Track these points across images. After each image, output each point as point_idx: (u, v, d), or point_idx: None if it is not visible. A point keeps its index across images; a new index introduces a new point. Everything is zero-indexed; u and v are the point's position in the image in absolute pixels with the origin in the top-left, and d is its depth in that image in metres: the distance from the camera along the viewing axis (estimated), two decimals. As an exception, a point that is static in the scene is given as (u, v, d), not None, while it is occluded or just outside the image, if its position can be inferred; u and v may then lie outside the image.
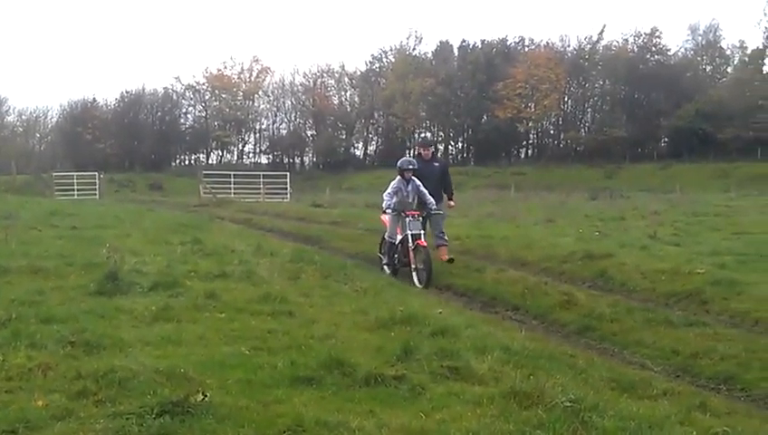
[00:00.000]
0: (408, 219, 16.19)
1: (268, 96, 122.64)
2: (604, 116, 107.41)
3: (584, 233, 23.66)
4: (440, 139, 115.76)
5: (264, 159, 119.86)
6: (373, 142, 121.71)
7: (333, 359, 7.73)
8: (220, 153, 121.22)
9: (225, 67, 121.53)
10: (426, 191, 16.70)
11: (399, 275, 16.54)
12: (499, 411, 6.51)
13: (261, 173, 67.32)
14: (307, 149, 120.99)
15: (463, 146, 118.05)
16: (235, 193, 58.06)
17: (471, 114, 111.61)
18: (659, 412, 6.99)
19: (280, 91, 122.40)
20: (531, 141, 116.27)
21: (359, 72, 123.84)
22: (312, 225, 30.33)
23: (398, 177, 16.72)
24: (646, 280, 14.82)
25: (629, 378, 8.69)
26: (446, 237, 17.78)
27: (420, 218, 16.40)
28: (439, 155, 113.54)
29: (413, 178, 16.72)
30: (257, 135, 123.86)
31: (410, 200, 16.63)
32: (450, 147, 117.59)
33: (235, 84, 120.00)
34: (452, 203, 18.41)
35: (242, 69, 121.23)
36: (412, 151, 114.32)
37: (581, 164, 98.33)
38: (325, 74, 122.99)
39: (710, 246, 19.44)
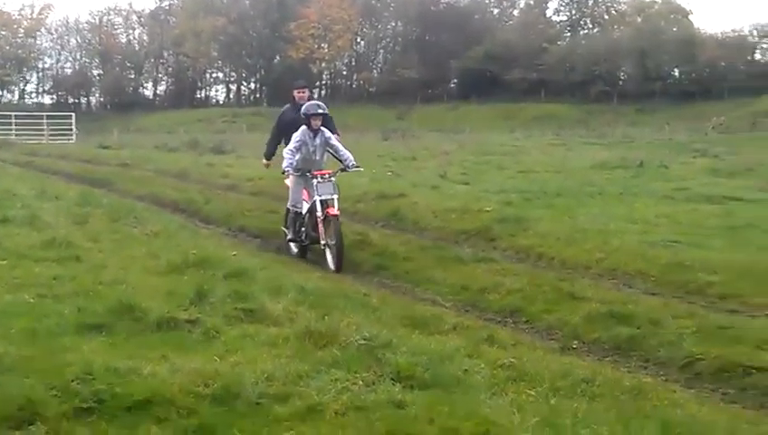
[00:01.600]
0: (316, 181, 12.57)
1: (51, 34, 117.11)
2: (396, 57, 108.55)
3: (377, 173, 23.87)
4: (233, 79, 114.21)
5: (47, 100, 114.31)
6: (163, 82, 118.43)
7: (123, 304, 7.50)
8: (0, 93, 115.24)
9: (5, 3, 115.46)
10: (340, 144, 13.19)
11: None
12: (294, 352, 6.50)
13: (44, 114, 64.59)
14: (93, 89, 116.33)
15: (256, 86, 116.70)
16: (16, 135, 55.54)
17: (263, 54, 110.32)
18: (449, 346, 7.16)
19: (64, 29, 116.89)
20: (324, 82, 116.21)
21: (147, 11, 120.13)
22: (100, 167, 29.44)
23: (303, 127, 12.91)
24: (437, 219, 15.16)
25: (421, 314, 8.90)
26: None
27: (332, 180, 12.71)
28: (242, 97, 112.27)
29: (322, 128, 12.99)
30: (40, 74, 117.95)
31: (318, 157, 13.01)
32: (243, 87, 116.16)
33: (16, 21, 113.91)
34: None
35: (23, 5, 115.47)
36: (204, 92, 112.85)
37: (374, 105, 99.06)
38: (112, 12, 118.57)
39: (497, 185, 20.10)
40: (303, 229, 13.02)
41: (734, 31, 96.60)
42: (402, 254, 12.45)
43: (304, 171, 12.81)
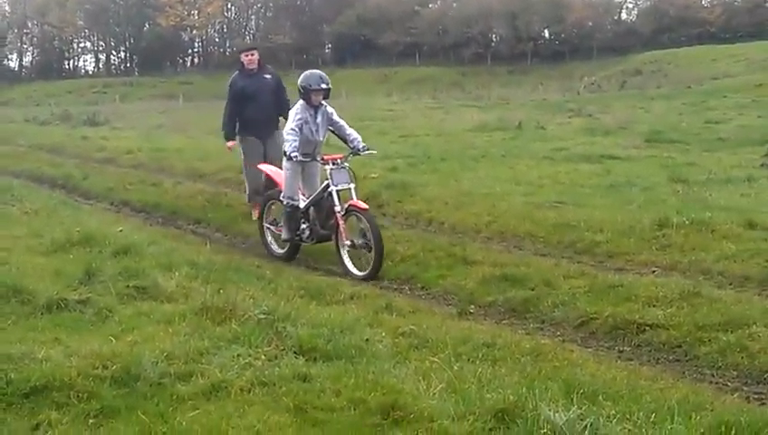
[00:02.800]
0: (329, 168, 10.34)
1: None
2: (268, 23, 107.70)
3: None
4: (101, 48, 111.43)
5: None
6: (28, 54, 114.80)
7: (9, 287, 7.23)
8: None
9: None
10: (343, 122, 11.02)
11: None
12: (192, 329, 6.38)
13: None
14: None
15: (125, 56, 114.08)
16: None
17: (132, 22, 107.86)
18: (349, 316, 7.18)
19: None
20: (196, 50, 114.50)
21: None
22: (-34, 143, 28.28)
23: (301, 102, 10.66)
24: (323, 187, 15.06)
25: (317, 285, 8.89)
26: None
27: (346, 165, 10.49)
28: (112, 66, 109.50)
29: (324, 103, 10.81)
30: None
31: (321, 138, 10.92)
32: (113, 57, 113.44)
33: None
34: None
35: None
36: (73, 62, 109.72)
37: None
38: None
39: (380, 151, 19.97)
40: (306, 226, 10.83)
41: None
42: (291, 223, 12.34)
43: (310, 157, 10.61)
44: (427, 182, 14.48)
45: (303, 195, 10.87)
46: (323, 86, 10.53)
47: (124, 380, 5.32)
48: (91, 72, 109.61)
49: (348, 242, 10.10)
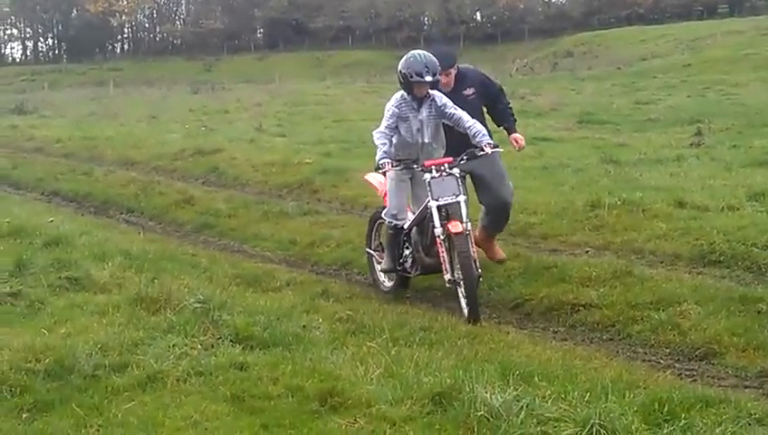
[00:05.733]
0: (428, 177, 7.67)
1: None
2: (199, 8, 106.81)
3: (191, 129, 23.55)
4: (28, 35, 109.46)
5: None
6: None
7: (-63, 281, 7.11)
8: None
9: None
10: (462, 113, 7.89)
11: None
12: (127, 319, 6.30)
13: None
14: None
15: (53, 42, 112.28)
16: None
17: (59, 9, 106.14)
18: (286, 303, 7.21)
19: None
20: (126, 36, 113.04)
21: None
22: None
23: (400, 92, 7.97)
24: (258, 173, 15.03)
25: (253, 272, 8.86)
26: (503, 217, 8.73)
27: (454, 172, 7.71)
28: (40, 54, 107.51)
29: (435, 94, 7.92)
30: None
31: (428, 139, 7.99)
32: (40, 44, 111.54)
33: None
34: (519, 138, 8.62)
35: None
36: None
37: (180, 57, 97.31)
38: None
39: (314, 136, 20.08)
40: (409, 253, 8.30)
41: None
42: (226, 211, 12.31)
43: (408, 164, 7.93)
44: (362, 167, 14.45)
45: (412, 212, 8.28)
46: (428, 78, 7.68)
47: (58, 373, 5.25)
48: (18, 60, 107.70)
49: (448, 277, 7.64)
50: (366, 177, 9.31)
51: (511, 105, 8.79)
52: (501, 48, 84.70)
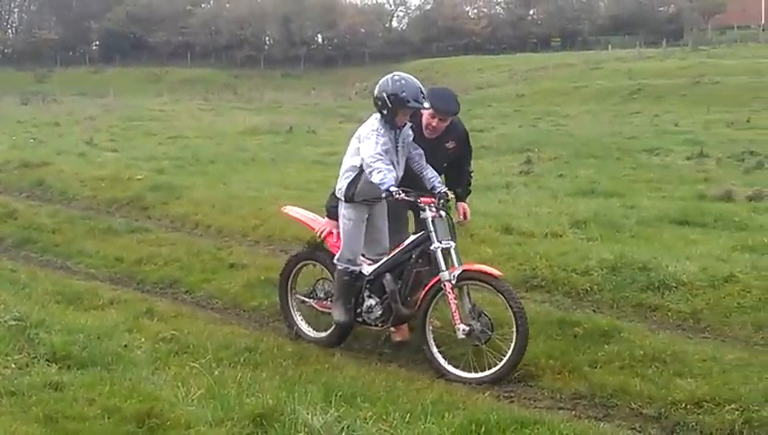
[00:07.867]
0: (430, 215, 6.95)
1: None
2: (32, 17, 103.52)
3: (18, 140, 22.83)
4: None
5: None
6: None
7: None
8: None
9: None
10: (421, 155, 7.37)
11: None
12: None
13: None
14: None
15: None
16: None
17: None
18: (107, 322, 7.07)
19: None
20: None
21: None
22: None
23: (377, 116, 7.16)
24: (86, 188, 14.67)
25: (75, 289, 8.62)
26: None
27: (442, 214, 7.06)
28: None
29: (407, 126, 7.28)
30: None
31: (401, 173, 7.21)
32: None
33: None
34: (467, 210, 8.01)
35: None
36: None
37: (10, 67, 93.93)
38: None
39: (147, 152, 19.75)
40: (376, 303, 7.21)
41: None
42: (50, 226, 11.95)
43: (414, 196, 6.98)
44: (195, 184, 14.32)
45: (364, 256, 7.45)
46: (426, 105, 7.08)
47: None
48: None
49: (463, 327, 6.76)
50: (286, 210, 8.37)
51: (473, 173, 8.06)
52: (342, 71, 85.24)
